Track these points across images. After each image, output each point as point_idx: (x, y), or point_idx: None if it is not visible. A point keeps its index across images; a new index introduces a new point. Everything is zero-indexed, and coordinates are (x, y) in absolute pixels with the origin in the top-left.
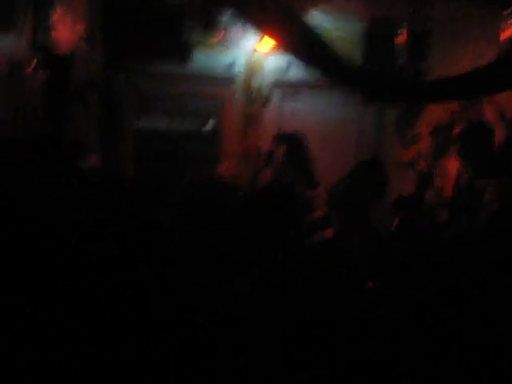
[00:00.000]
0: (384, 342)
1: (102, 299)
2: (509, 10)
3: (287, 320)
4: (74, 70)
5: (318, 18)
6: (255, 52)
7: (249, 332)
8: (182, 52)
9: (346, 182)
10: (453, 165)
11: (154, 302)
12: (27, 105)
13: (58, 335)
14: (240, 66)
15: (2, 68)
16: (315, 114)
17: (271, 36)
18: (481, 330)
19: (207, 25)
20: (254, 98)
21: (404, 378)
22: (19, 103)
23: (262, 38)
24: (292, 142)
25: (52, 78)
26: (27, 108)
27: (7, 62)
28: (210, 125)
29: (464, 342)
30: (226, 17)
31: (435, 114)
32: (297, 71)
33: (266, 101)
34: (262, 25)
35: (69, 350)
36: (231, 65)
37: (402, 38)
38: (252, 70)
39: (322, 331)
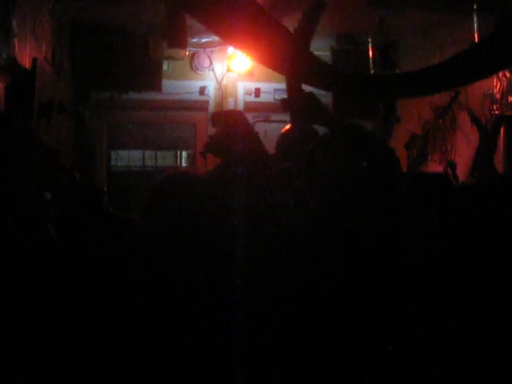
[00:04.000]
0: None
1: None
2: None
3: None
4: (35, 87)
5: None
6: (227, 74)
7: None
8: (153, 79)
9: None
10: None
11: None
12: None
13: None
14: (212, 90)
15: None
16: None
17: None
18: None
19: (172, 41)
20: None
21: None
22: None
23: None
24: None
25: (14, 94)
26: None
27: None
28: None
29: None
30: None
31: (409, 125)
32: (268, 95)
33: None
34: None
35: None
36: (203, 89)
37: (368, 51)
38: (223, 94)
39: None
